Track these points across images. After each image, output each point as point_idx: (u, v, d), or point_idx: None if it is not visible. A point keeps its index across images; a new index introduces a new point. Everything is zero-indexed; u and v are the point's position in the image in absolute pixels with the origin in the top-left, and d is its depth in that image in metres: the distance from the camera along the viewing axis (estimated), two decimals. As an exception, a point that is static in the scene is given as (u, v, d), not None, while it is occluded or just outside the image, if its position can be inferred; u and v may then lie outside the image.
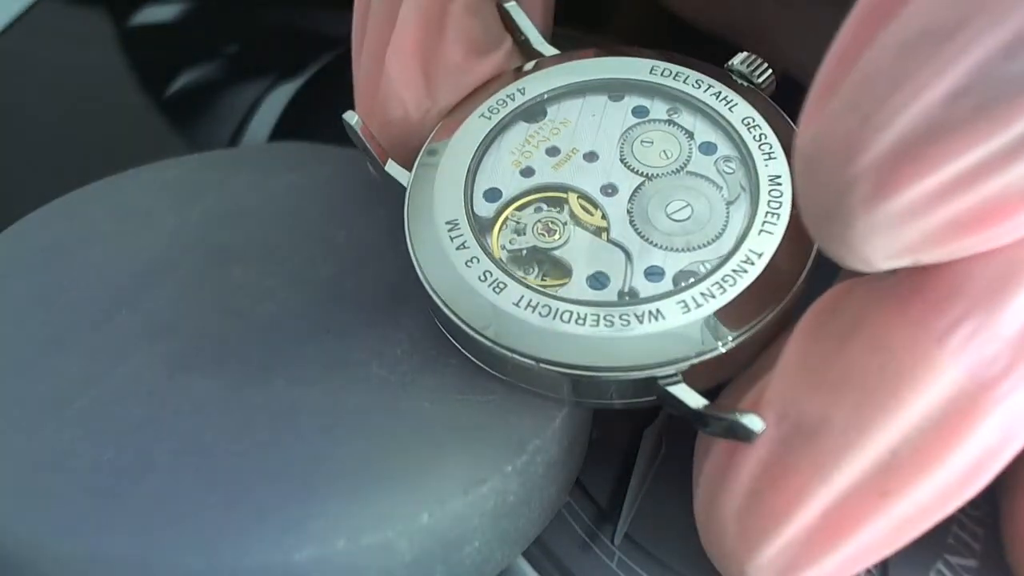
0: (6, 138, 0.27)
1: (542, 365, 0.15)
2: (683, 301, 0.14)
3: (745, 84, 0.17)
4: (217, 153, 0.21)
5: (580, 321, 0.14)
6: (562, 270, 0.15)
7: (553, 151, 0.16)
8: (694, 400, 0.14)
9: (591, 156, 0.16)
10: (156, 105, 0.28)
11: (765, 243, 0.15)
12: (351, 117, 0.17)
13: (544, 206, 0.16)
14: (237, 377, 0.16)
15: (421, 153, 0.17)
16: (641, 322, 0.14)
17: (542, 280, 0.15)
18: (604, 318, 0.14)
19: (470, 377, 0.16)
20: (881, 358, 0.12)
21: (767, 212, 0.15)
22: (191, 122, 0.28)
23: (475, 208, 0.16)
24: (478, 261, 0.15)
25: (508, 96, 0.17)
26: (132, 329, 0.17)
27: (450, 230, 0.15)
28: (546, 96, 0.17)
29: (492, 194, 0.16)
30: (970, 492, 0.12)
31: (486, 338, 0.15)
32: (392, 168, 0.17)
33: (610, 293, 0.15)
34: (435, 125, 0.17)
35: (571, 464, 0.17)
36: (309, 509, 0.14)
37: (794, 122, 0.16)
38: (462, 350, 0.16)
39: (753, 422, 0.14)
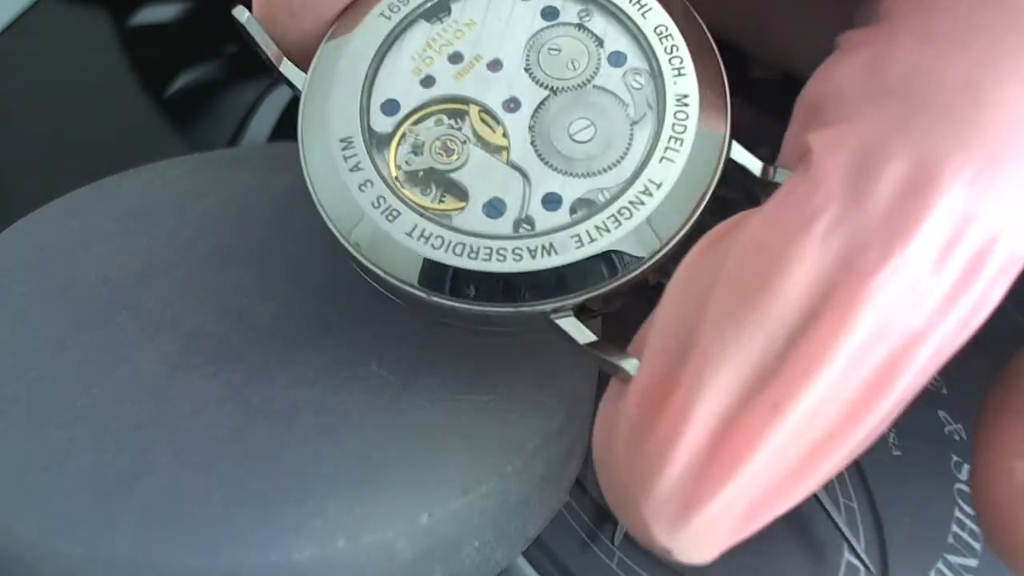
0: (6, 138, 0.27)
1: (433, 297, 0.14)
2: (577, 235, 0.14)
3: None
4: (217, 153, 0.21)
5: (472, 255, 0.14)
6: (460, 193, 0.15)
7: (456, 57, 0.16)
8: (582, 335, 0.14)
9: (495, 64, 0.15)
10: (156, 105, 0.28)
11: (665, 172, 0.14)
12: (241, 13, 0.16)
13: (444, 118, 0.15)
14: (237, 377, 0.16)
15: (317, 55, 0.16)
16: (533, 257, 0.14)
17: (439, 202, 0.15)
18: (497, 252, 0.14)
19: (470, 377, 0.16)
20: (750, 256, 0.12)
21: (671, 137, 0.15)
22: (191, 122, 0.28)
23: (372, 123, 0.15)
24: (371, 185, 0.15)
25: None
26: (132, 329, 0.17)
27: (344, 148, 0.15)
28: None
29: (390, 106, 0.15)
30: (878, 411, 0.12)
31: (377, 266, 0.14)
32: (287, 68, 0.16)
33: (505, 223, 0.15)
34: (333, 16, 0.16)
35: (571, 464, 0.17)
36: (309, 509, 0.14)
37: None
38: (363, 276, 0.15)
39: (631, 365, 0.13)
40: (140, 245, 0.18)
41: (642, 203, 0.14)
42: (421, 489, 0.15)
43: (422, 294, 0.14)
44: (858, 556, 0.20)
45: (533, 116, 0.15)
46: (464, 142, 0.15)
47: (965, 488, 0.22)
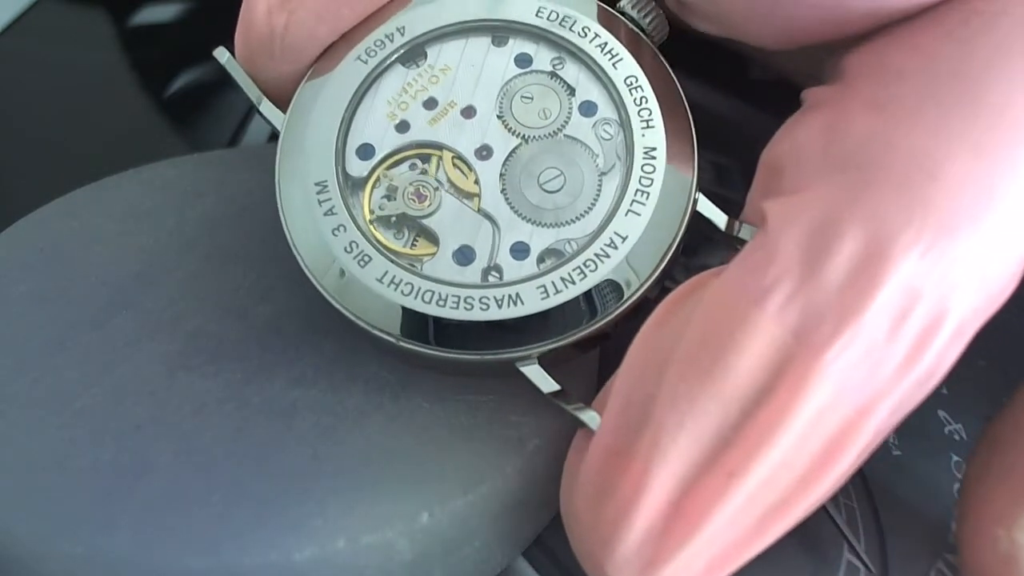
0: (6, 138, 0.27)
1: (402, 343, 0.15)
2: (543, 286, 0.14)
3: (635, 28, 0.16)
4: (217, 153, 0.21)
5: (441, 302, 0.14)
6: (431, 239, 0.15)
7: (431, 103, 0.16)
8: (547, 385, 0.15)
9: (469, 111, 0.16)
10: (156, 105, 0.28)
11: (631, 225, 0.15)
12: (221, 54, 0.16)
13: (418, 162, 0.16)
14: (237, 377, 0.16)
15: (295, 96, 0.16)
16: (500, 307, 0.14)
17: (412, 247, 0.15)
18: (464, 300, 0.14)
19: (469, 381, 0.16)
20: (706, 328, 0.12)
21: (637, 190, 0.15)
22: (191, 122, 0.28)
23: (347, 166, 0.15)
24: (344, 229, 0.15)
25: (387, 36, 0.16)
26: (132, 329, 0.17)
27: (319, 192, 0.15)
28: (426, 38, 0.16)
29: (365, 151, 0.16)
30: (832, 475, 0.12)
31: (348, 311, 0.15)
32: (267, 108, 0.16)
33: (474, 271, 0.15)
34: (312, 59, 0.16)
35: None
36: (309, 509, 0.14)
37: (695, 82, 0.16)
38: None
39: (592, 419, 0.14)
40: (140, 245, 0.18)
41: (607, 256, 0.15)
42: (421, 489, 0.15)
43: (391, 339, 0.15)
44: (858, 556, 0.20)
45: (504, 164, 0.15)
46: (436, 188, 0.15)
47: (965, 488, 0.22)
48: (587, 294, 0.14)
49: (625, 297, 0.15)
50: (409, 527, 0.14)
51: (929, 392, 0.12)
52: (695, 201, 0.15)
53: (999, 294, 0.12)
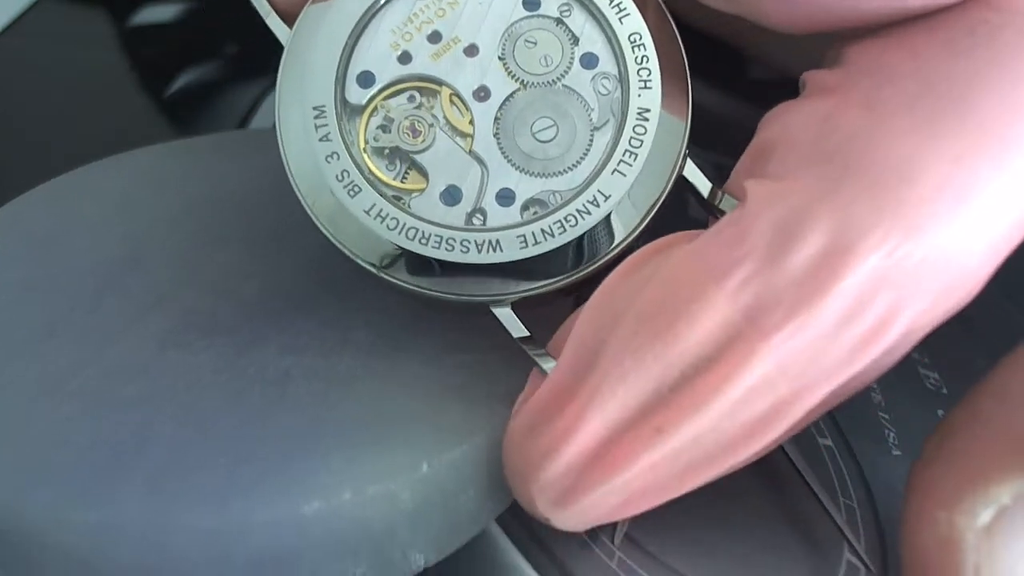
0: (6, 138, 0.27)
1: (382, 274, 0.15)
2: (523, 236, 0.15)
3: None
4: (199, 139, 0.22)
5: (423, 241, 0.15)
6: (421, 174, 0.15)
7: (435, 36, 0.16)
8: (516, 329, 0.15)
9: (472, 49, 0.16)
10: (156, 105, 0.28)
11: (615, 184, 0.15)
12: None
13: (417, 95, 0.16)
14: (229, 350, 0.16)
15: (301, 15, 0.16)
16: (480, 251, 0.15)
17: (403, 180, 0.15)
18: (446, 241, 0.15)
19: (457, 341, 0.17)
20: (665, 292, 0.12)
21: (626, 150, 0.15)
22: (191, 122, 0.28)
23: (347, 93, 0.15)
24: (337, 158, 0.15)
25: None
26: (122, 311, 0.17)
27: (316, 117, 0.15)
28: None
29: (365, 78, 0.16)
30: (757, 445, 0.12)
31: (335, 238, 0.15)
32: (273, 22, 0.16)
33: (459, 212, 0.15)
34: None
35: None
36: (314, 465, 0.14)
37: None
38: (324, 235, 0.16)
39: (549, 366, 0.14)
40: (124, 230, 0.19)
41: (588, 212, 0.15)
42: (420, 441, 0.15)
43: (371, 269, 0.15)
44: (858, 556, 0.20)
45: (500, 108, 0.15)
46: (431, 125, 0.15)
47: (965, 488, 0.22)
48: (564, 247, 0.15)
49: (601, 255, 0.15)
50: (410, 478, 0.14)
51: (870, 382, 0.13)
52: (683, 164, 0.15)
53: (957, 300, 0.12)
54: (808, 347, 0.12)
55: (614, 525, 0.18)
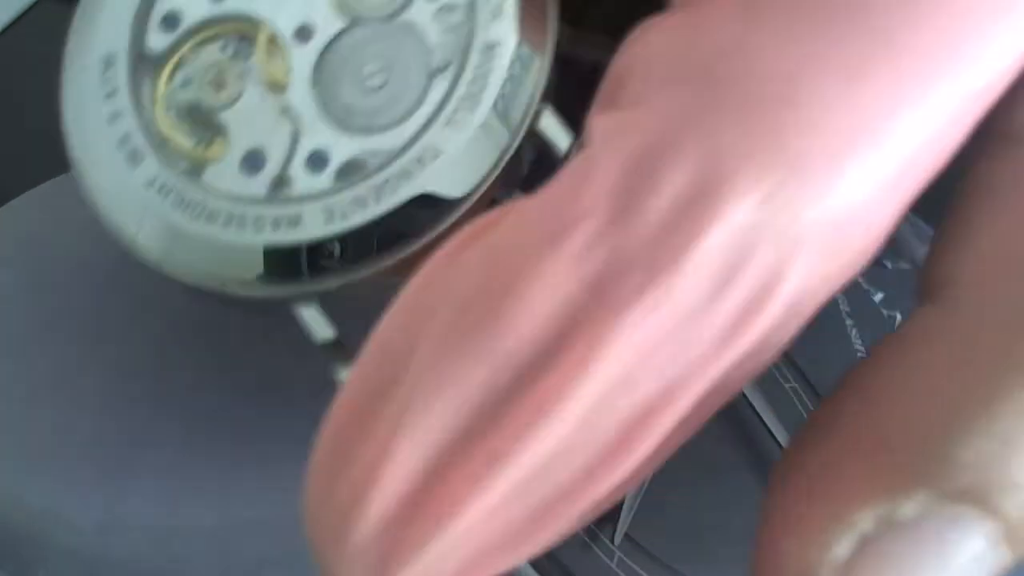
0: (6, 138, 0.27)
1: (162, 266, 0.13)
2: (329, 208, 0.12)
3: None
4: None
5: (211, 219, 0.12)
6: (223, 139, 0.13)
7: None
8: (321, 330, 0.12)
9: None
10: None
11: (448, 140, 0.12)
12: None
13: (232, 43, 0.13)
14: (228, 350, 0.16)
15: None
16: (275, 229, 0.12)
17: (204, 147, 0.13)
18: (236, 219, 0.12)
19: None
20: (489, 270, 0.09)
21: (465, 95, 0.12)
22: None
23: (147, 39, 0.13)
24: (121, 118, 0.12)
25: None
26: (120, 311, 0.17)
27: (105, 70, 0.13)
28: None
29: (170, 20, 0.13)
30: (624, 467, 0.09)
31: (104, 216, 0.13)
32: None
33: (261, 181, 0.12)
34: None
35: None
36: None
37: None
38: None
39: (343, 376, 0.12)
40: None
41: (412, 175, 0.12)
42: None
43: (149, 258, 0.13)
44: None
45: (324, 51, 0.13)
46: (241, 76, 0.13)
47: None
48: (380, 221, 0.12)
49: (428, 232, 0.12)
50: None
51: (753, 376, 0.10)
52: (537, 115, 0.12)
53: (853, 261, 0.09)
54: (674, 326, 0.09)
55: (614, 525, 0.18)
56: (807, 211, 0.09)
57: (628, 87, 0.10)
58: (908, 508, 0.09)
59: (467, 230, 0.10)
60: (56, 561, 0.14)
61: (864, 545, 0.09)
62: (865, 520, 0.09)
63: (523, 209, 0.09)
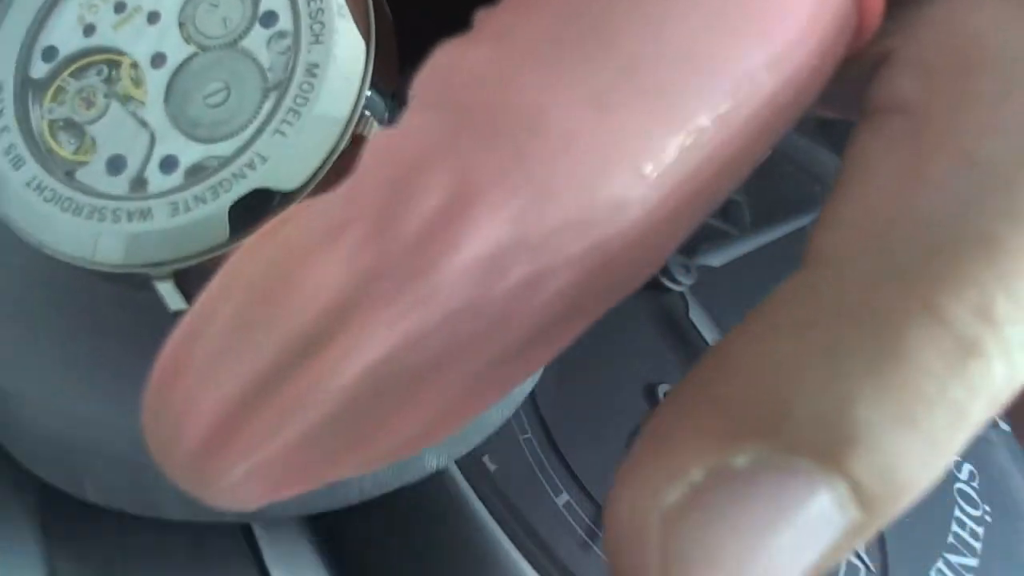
0: None
1: (44, 247, 0.15)
2: (175, 203, 0.14)
3: None
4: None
5: (77, 212, 0.15)
6: (92, 147, 0.15)
7: (120, 7, 0.16)
8: (174, 301, 0.15)
9: (153, 17, 0.16)
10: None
11: (274, 147, 0.14)
12: None
13: (105, 69, 0.16)
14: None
15: None
16: (130, 220, 0.15)
17: (75, 154, 0.15)
18: (99, 211, 0.15)
19: None
20: (275, 257, 0.10)
21: (290, 109, 0.14)
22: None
23: (30, 69, 0.16)
24: (7, 131, 0.15)
25: None
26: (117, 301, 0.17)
27: None
28: None
29: (49, 53, 0.16)
30: (391, 443, 0.10)
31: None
32: None
33: (122, 181, 0.15)
34: None
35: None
36: None
37: None
38: None
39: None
40: None
41: (244, 176, 0.14)
42: None
43: (32, 241, 0.15)
44: (858, 556, 0.20)
45: (175, 73, 0.15)
46: (107, 96, 0.15)
47: (965, 488, 0.22)
48: (220, 214, 0.14)
49: (260, 223, 0.14)
50: None
51: (527, 374, 0.11)
52: (357, 126, 0.15)
53: (626, 264, 0.10)
54: (433, 326, 0.10)
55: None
56: (560, 232, 0.10)
57: (409, 107, 0.11)
58: (740, 459, 0.09)
59: (269, 224, 0.11)
60: (102, 470, 0.15)
61: (694, 494, 0.09)
62: (697, 472, 0.09)
63: (311, 209, 0.11)
